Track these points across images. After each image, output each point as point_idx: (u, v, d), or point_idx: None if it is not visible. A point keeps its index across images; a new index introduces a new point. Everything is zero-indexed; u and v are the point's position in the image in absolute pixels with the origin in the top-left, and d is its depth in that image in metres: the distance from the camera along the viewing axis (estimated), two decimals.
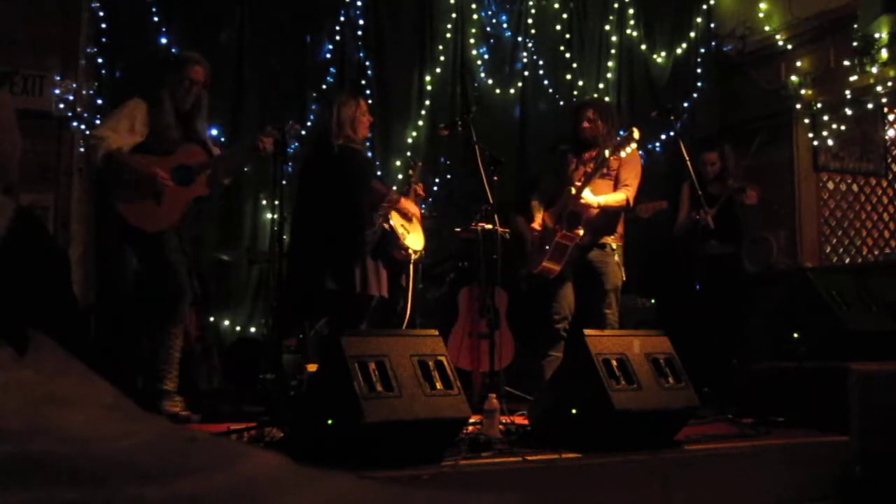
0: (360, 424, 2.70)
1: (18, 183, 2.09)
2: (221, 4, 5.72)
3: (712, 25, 7.23)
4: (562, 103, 6.70)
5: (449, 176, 6.25)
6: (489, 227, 4.48)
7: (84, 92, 5.30)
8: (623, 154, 4.57)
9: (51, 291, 2.01)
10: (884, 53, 5.93)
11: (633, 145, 4.57)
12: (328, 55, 6.00)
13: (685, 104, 6.97)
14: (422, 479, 2.70)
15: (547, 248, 4.70)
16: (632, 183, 4.73)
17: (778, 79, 6.85)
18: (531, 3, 6.71)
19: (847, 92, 6.37)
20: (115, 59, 5.36)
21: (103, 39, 5.35)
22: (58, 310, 1.99)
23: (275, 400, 4.03)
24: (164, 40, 5.42)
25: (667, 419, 3.42)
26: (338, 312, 4.42)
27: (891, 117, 7.05)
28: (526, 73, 6.67)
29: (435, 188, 6.12)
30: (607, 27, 6.94)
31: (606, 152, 4.60)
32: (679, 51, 7.12)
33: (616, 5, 6.96)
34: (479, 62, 6.54)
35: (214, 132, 5.38)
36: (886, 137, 7.11)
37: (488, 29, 6.62)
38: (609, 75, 6.90)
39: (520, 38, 6.68)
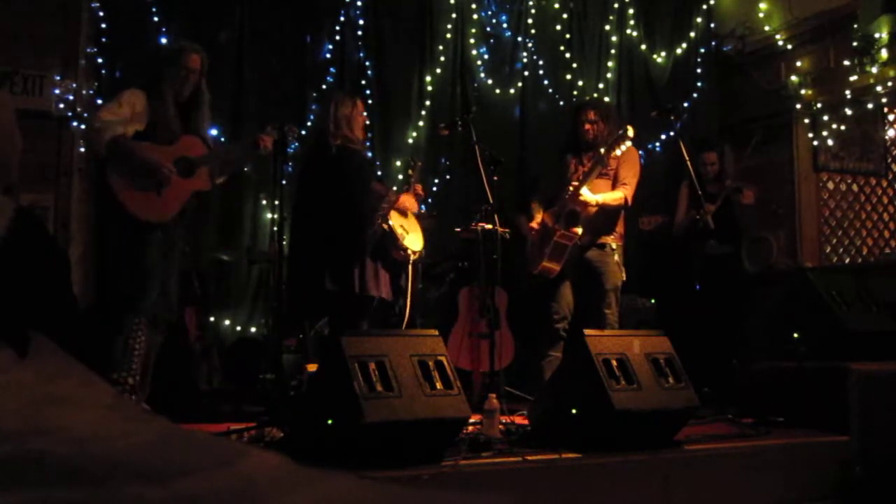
0: (360, 424, 2.70)
1: (18, 183, 2.09)
2: (221, 4, 5.72)
3: (712, 25, 7.23)
4: (562, 103, 6.70)
5: (449, 176, 6.25)
6: (489, 227, 4.48)
7: (84, 92, 5.30)
8: (618, 151, 4.57)
9: (51, 292, 2.01)
10: (884, 53, 5.93)
11: (629, 143, 4.57)
12: (328, 55, 6.00)
13: (685, 104, 6.97)
14: (422, 479, 2.70)
15: (546, 247, 4.71)
16: (630, 182, 4.73)
17: (778, 79, 6.85)
18: (531, 3, 6.72)
19: (847, 92, 6.37)
20: (115, 59, 5.36)
21: (103, 39, 5.35)
22: (58, 310, 1.99)
23: (275, 400, 4.03)
24: (164, 40, 5.42)
25: (667, 419, 3.42)
26: (337, 313, 4.42)
27: (891, 117, 7.05)
28: (526, 73, 6.67)
29: (435, 188, 6.12)
30: (607, 27, 6.94)
31: (602, 150, 4.61)
32: (679, 51, 7.13)
33: (616, 5, 6.96)
34: (479, 62, 6.55)
35: (214, 132, 5.38)
36: (886, 137, 7.11)
37: (488, 29, 6.62)
38: (609, 75, 6.90)
39: (520, 38, 6.68)
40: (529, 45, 6.69)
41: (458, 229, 5.19)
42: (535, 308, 4.92)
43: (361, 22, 6.11)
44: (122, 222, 3.93)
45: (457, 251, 5.70)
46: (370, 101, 6.02)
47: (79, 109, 5.26)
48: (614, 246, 4.74)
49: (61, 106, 5.21)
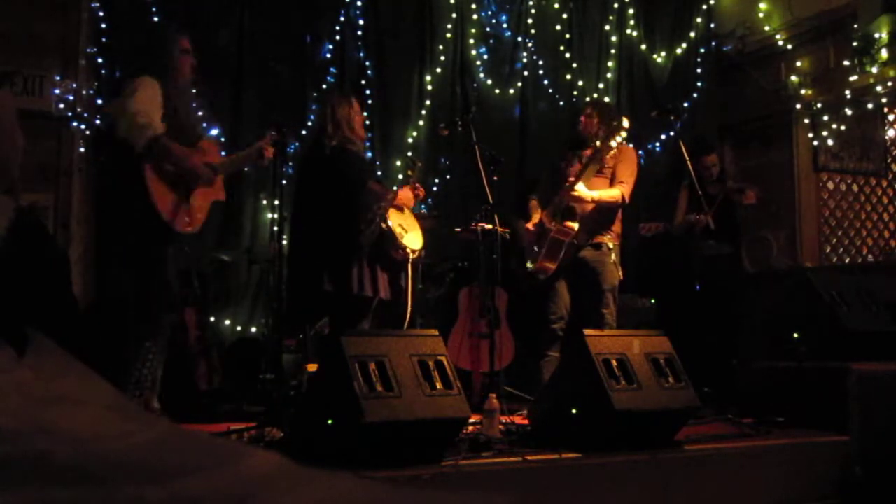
0: (360, 424, 2.70)
1: (19, 183, 2.09)
2: (221, 4, 5.72)
3: (712, 25, 7.24)
4: (562, 103, 6.70)
5: (449, 176, 6.25)
6: (489, 227, 4.48)
7: (84, 92, 5.30)
8: (613, 143, 4.56)
9: (51, 291, 2.01)
10: (884, 53, 5.93)
11: (623, 133, 4.57)
12: (328, 55, 6.00)
13: (685, 104, 6.98)
14: (422, 479, 2.70)
15: (542, 245, 4.70)
16: (627, 180, 4.72)
17: (778, 79, 6.85)
18: (531, 3, 6.72)
19: (847, 92, 6.37)
20: (115, 59, 5.36)
21: (103, 39, 5.35)
22: (57, 310, 1.99)
23: (275, 400, 4.03)
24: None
25: (667, 419, 3.42)
26: (337, 313, 4.42)
27: (891, 117, 7.05)
28: (526, 73, 6.67)
29: (435, 188, 6.13)
30: (607, 27, 6.94)
31: (598, 143, 4.60)
32: (679, 51, 7.13)
33: (616, 5, 6.96)
34: (479, 62, 6.55)
35: (214, 132, 5.39)
36: (886, 137, 7.11)
37: (488, 29, 6.63)
38: (609, 75, 6.90)
39: (520, 38, 6.68)
40: (529, 45, 6.69)
41: (458, 229, 5.19)
42: (535, 308, 4.92)
43: (361, 22, 6.11)
44: (148, 226, 3.60)
45: (457, 251, 5.70)
46: (370, 101, 6.02)
47: (79, 109, 5.26)
48: (611, 245, 4.73)
49: (61, 106, 5.21)
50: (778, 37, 6.82)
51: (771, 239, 6.80)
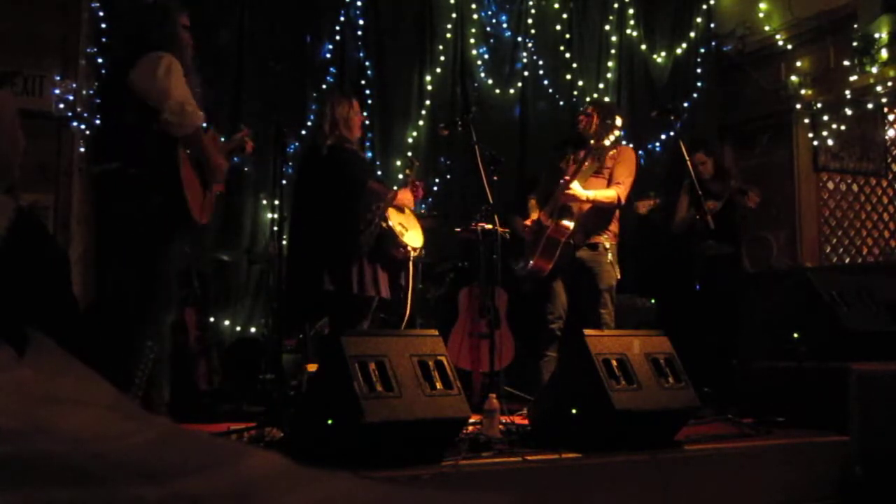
0: (360, 424, 2.70)
1: (19, 183, 2.09)
2: (221, 4, 5.72)
3: (712, 25, 7.24)
4: (562, 103, 6.71)
5: (449, 176, 6.25)
6: (489, 227, 4.48)
7: (84, 92, 5.30)
8: (607, 142, 4.56)
9: (51, 291, 2.01)
10: (884, 53, 5.93)
11: (617, 132, 4.57)
12: (328, 55, 6.00)
13: (685, 104, 6.98)
14: (422, 479, 2.70)
15: (538, 244, 4.69)
16: (624, 181, 4.71)
17: (778, 79, 6.85)
18: (531, 3, 6.72)
19: (847, 92, 6.37)
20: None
21: (103, 39, 5.35)
22: (57, 309, 1.99)
23: (275, 400, 4.03)
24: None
25: (667, 419, 3.42)
26: (337, 313, 4.42)
27: (891, 117, 7.05)
28: (526, 73, 6.67)
29: (435, 188, 6.13)
30: (607, 27, 6.94)
31: (592, 142, 4.60)
32: (679, 51, 7.13)
33: (616, 5, 6.96)
34: (479, 62, 6.55)
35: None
36: (886, 137, 7.11)
37: (488, 29, 6.63)
38: (609, 75, 6.90)
39: (520, 38, 6.68)
40: (529, 45, 6.69)
41: (458, 229, 5.19)
42: (535, 308, 4.92)
43: (361, 22, 6.11)
44: (175, 220, 3.38)
45: (457, 251, 5.70)
46: (370, 101, 6.02)
47: (79, 109, 5.26)
48: (607, 245, 4.72)
49: (61, 106, 5.21)
50: (778, 37, 6.82)
51: (771, 239, 6.80)
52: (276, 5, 5.84)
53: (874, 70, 6.04)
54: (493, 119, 6.38)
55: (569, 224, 4.60)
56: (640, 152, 6.47)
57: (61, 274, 2.12)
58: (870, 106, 6.56)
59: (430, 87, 6.29)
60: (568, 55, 6.79)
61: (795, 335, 4.07)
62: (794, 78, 6.70)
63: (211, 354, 4.91)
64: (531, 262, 4.72)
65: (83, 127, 5.26)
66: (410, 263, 4.76)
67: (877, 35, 5.92)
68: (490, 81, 6.56)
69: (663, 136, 6.81)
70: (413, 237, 4.68)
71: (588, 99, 6.64)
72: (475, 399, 4.62)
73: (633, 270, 5.59)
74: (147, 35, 3.46)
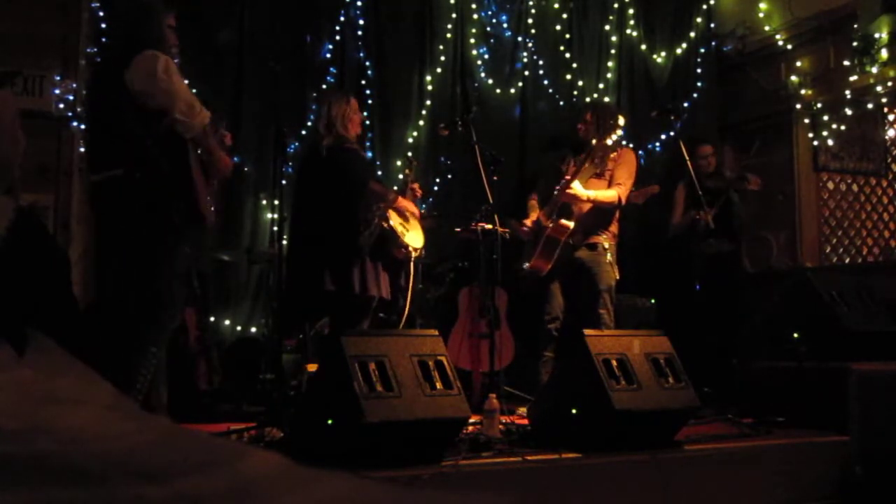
0: (360, 424, 2.70)
1: (19, 183, 2.09)
2: (221, 4, 5.72)
3: (712, 25, 7.24)
4: (562, 103, 6.70)
5: (449, 176, 6.25)
6: (489, 227, 4.48)
7: (84, 92, 5.30)
8: (609, 141, 4.56)
9: (51, 291, 2.01)
10: (884, 53, 5.93)
11: (619, 132, 4.56)
12: (328, 55, 6.00)
13: (685, 104, 6.98)
14: (422, 479, 2.70)
15: (538, 244, 4.70)
16: (625, 182, 4.72)
17: (778, 79, 6.85)
18: (531, 3, 6.72)
19: (847, 92, 6.37)
20: None
21: (103, 39, 5.35)
22: (57, 309, 2.00)
23: (275, 400, 4.03)
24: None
25: (667, 419, 3.42)
26: (338, 313, 4.42)
27: (891, 117, 7.05)
28: (526, 73, 6.67)
29: (435, 188, 6.13)
30: (607, 27, 6.94)
31: (594, 141, 4.60)
32: (679, 51, 7.13)
33: (616, 5, 6.96)
34: (479, 62, 6.55)
35: None
36: (886, 137, 7.11)
37: (488, 29, 6.63)
38: (609, 75, 6.90)
39: (520, 38, 6.68)
40: (529, 45, 6.69)
41: (458, 229, 5.19)
42: (535, 308, 4.92)
43: (361, 22, 6.11)
44: (187, 222, 3.32)
45: (457, 251, 5.70)
46: (370, 101, 6.02)
47: (79, 109, 5.25)
48: (606, 245, 4.72)
49: (61, 106, 5.21)
50: (778, 37, 6.82)
51: (771, 239, 6.80)
52: (276, 5, 5.84)
53: (874, 70, 6.04)
54: (493, 119, 6.38)
55: (568, 223, 4.60)
56: (640, 152, 6.47)
57: (61, 274, 2.12)
58: (870, 106, 6.56)
59: (430, 87, 6.29)
60: (568, 55, 6.79)
61: (795, 335, 4.07)
62: (794, 78, 6.70)
63: (211, 354, 4.91)
64: (530, 262, 4.72)
65: (83, 127, 5.26)
66: (411, 264, 4.76)
67: (877, 35, 5.92)
68: (490, 81, 6.56)
69: (663, 136, 6.81)
70: (414, 238, 4.68)
71: (588, 99, 6.65)
72: (475, 399, 4.62)
73: (633, 270, 5.59)
74: (135, 34, 3.37)
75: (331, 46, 6.01)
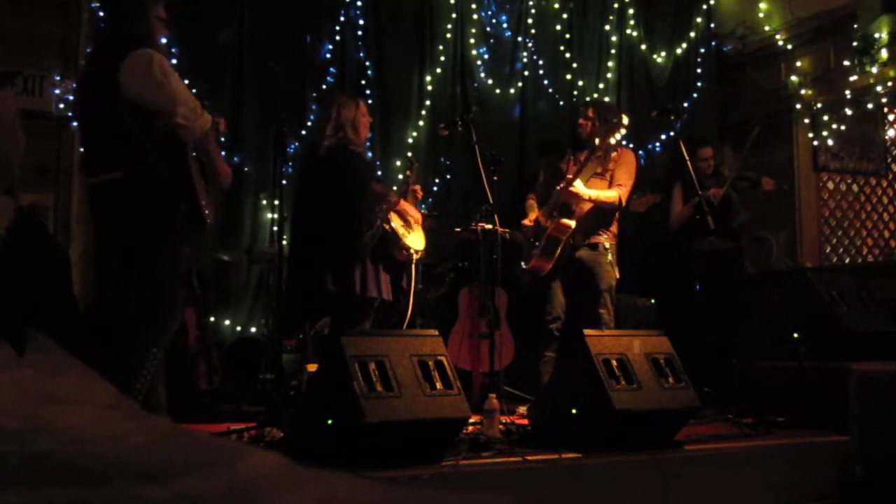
0: (360, 424, 2.70)
1: (19, 183, 2.09)
2: (221, 4, 5.72)
3: (712, 25, 7.24)
4: (562, 103, 6.71)
5: (449, 176, 6.25)
6: (489, 227, 4.48)
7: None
8: (612, 141, 4.55)
9: (51, 291, 2.01)
10: (884, 53, 5.93)
11: (623, 131, 4.56)
12: (328, 55, 6.01)
13: (685, 104, 6.98)
14: (422, 479, 2.70)
15: (538, 244, 4.69)
16: (625, 183, 4.71)
17: (778, 79, 6.85)
18: (531, 3, 6.72)
19: (847, 92, 6.38)
20: None
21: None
22: (57, 309, 1.99)
23: (275, 400, 4.03)
24: (163, 40, 5.39)
25: (667, 419, 3.42)
26: (339, 314, 4.42)
27: (891, 117, 7.06)
28: (526, 73, 6.67)
29: (435, 188, 6.13)
30: (607, 27, 6.94)
31: (597, 140, 4.60)
32: (679, 51, 7.13)
33: (616, 5, 6.96)
34: (479, 62, 6.55)
35: None
36: (886, 137, 7.12)
37: (488, 29, 6.63)
38: (609, 75, 6.91)
39: (520, 38, 6.68)
40: (529, 45, 6.69)
41: (458, 229, 5.19)
42: (535, 308, 4.92)
43: (361, 22, 6.12)
44: (189, 224, 3.26)
45: (457, 251, 5.70)
46: (370, 101, 6.02)
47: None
48: (607, 245, 4.71)
49: (61, 106, 5.21)
50: (778, 37, 6.82)
51: (771, 239, 6.80)
52: (276, 5, 5.84)
53: (874, 70, 6.04)
54: (493, 119, 6.38)
55: (570, 222, 4.60)
56: (641, 152, 6.48)
57: (61, 274, 2.12)
58: (870, 106, 6.57)
59: (430, 87, 6.29)
60: (568, 55, 6.79)
61: (795, 335, 4.06)
62: (794, 78, 6.70)
63: (211, 354, 4.91)
64: (531, 261, 4.72)
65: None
66: (412, 266, 4.76)
67: (877, 35, 5.93)
68: (490, 81, 6.56)
69: (663, 136, 6.82)
70: (415, 240, 4.68)
71: (588, 99, 6.64)
72: (475, 399, 4.62)
73: (633, 270, 5.59)
74: (124, 27, 3.28)
75: (331, 46, 6.01)
